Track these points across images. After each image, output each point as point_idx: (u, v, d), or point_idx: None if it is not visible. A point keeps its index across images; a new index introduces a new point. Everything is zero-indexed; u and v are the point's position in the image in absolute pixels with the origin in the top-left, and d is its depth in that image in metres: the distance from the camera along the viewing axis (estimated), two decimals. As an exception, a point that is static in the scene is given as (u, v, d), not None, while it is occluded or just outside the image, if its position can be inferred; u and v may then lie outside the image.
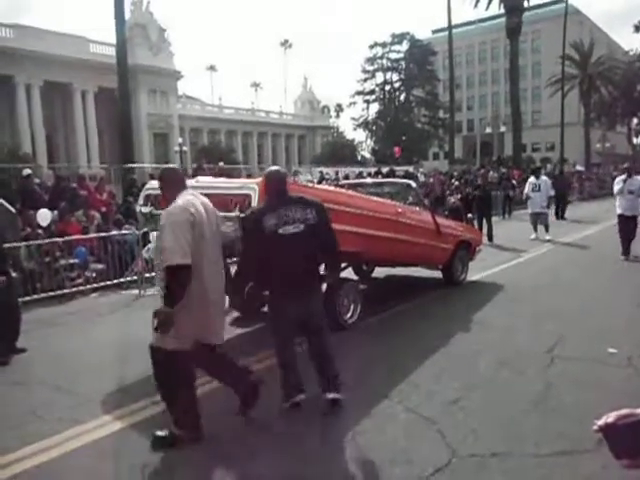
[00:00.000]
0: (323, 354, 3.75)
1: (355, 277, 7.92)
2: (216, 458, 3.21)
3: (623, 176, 9.54)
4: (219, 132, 47.22)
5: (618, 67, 48.45)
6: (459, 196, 14.16)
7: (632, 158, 42.88)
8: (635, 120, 54.37)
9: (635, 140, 56.70)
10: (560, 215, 17.03)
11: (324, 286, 6.07)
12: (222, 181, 6.38)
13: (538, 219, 12.50)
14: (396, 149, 34.85)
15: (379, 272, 8.76)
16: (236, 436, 3.45)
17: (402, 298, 7.25)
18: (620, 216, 9.53)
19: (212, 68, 72.00)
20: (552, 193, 13.36)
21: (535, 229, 12.56)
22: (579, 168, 36.78)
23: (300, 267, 3.53)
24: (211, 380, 3.88)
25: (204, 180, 6.26)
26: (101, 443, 3.44)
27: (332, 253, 3.73)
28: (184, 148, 34.81)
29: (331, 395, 3.70)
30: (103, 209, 10.88)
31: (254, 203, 4.80)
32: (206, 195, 5.47)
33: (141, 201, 6.24)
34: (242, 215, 4.86)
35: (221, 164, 14.90)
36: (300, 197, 3.76)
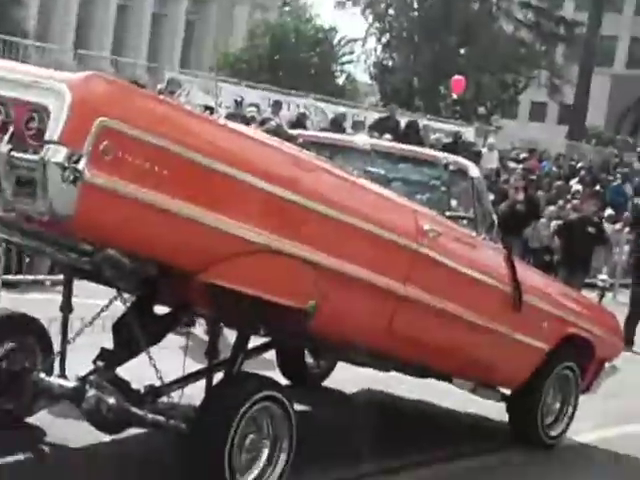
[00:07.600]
0: None
1: (284, 382, 3.42)
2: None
3: None
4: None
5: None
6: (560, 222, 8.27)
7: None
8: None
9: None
10: None
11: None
12: None
13: None
14: (455, 80, 15.50)
15: (347, 379, 4.01)
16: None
17: (385, 460, 2.90)
18: None
19: None
20: None
21: None
22: None
23: None
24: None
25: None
26: None
27: None
28: None
29: None
30: None
31: (56, 126, 1.81)
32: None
33: None
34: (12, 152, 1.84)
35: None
36: None
